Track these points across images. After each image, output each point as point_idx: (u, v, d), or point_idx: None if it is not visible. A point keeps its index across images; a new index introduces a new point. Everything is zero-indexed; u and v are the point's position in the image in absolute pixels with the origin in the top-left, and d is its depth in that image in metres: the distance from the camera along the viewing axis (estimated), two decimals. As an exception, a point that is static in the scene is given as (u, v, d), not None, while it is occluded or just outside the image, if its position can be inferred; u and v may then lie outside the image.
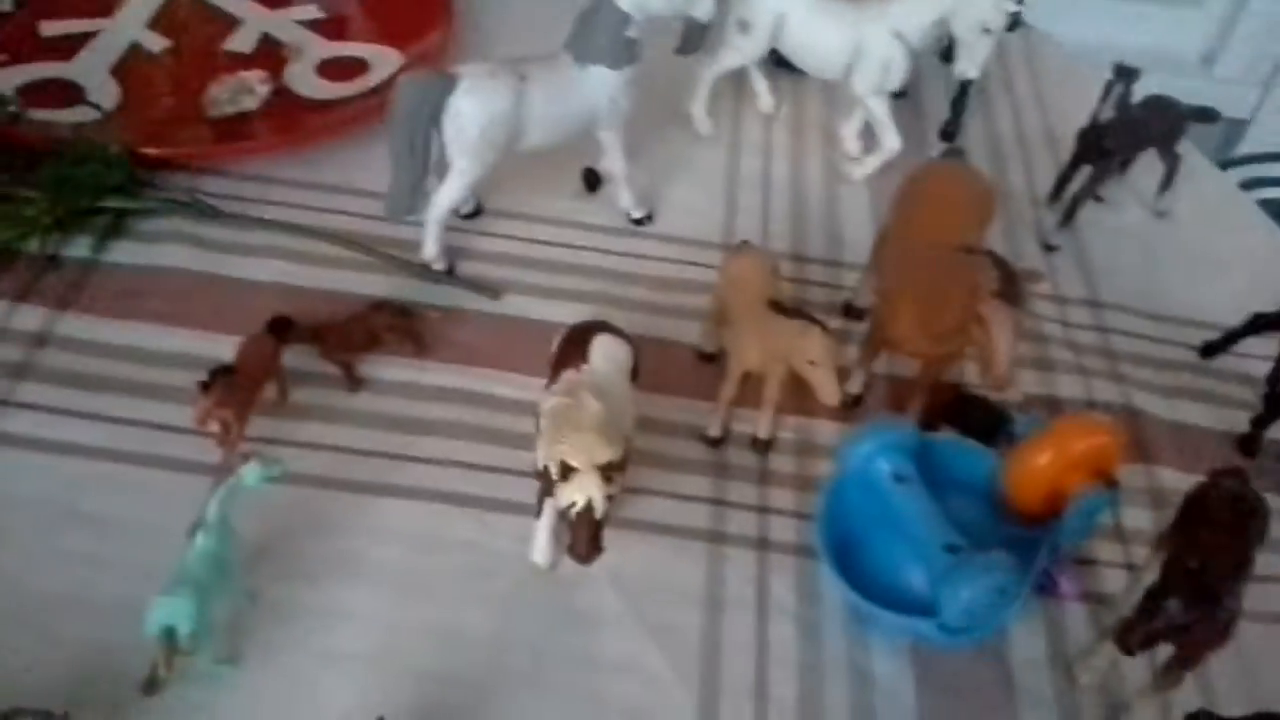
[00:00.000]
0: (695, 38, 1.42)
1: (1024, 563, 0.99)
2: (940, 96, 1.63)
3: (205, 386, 0.99)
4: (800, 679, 0.98)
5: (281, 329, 1.09)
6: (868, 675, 0.99)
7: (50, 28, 1.49)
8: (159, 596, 0.84)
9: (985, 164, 1.53)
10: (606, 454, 0.90)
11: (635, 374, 1.03)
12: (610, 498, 0.91)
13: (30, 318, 1.16)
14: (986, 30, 1.36)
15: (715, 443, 1.15)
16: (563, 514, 0.92)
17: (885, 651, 1.01)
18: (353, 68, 1.49)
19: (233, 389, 1.01)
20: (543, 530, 1.01)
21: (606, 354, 1.01)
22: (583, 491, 0.89)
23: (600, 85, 1.24)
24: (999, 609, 0.97)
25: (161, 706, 0.87)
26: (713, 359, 1.21)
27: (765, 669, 0.99)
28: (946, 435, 1.12)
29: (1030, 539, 1.03)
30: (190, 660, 0.87)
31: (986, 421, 1.15)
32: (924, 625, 0.97)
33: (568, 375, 0.99)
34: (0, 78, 1.38)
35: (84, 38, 1.48)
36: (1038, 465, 1.03)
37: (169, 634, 0.84)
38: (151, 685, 0.84)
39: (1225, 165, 2.22)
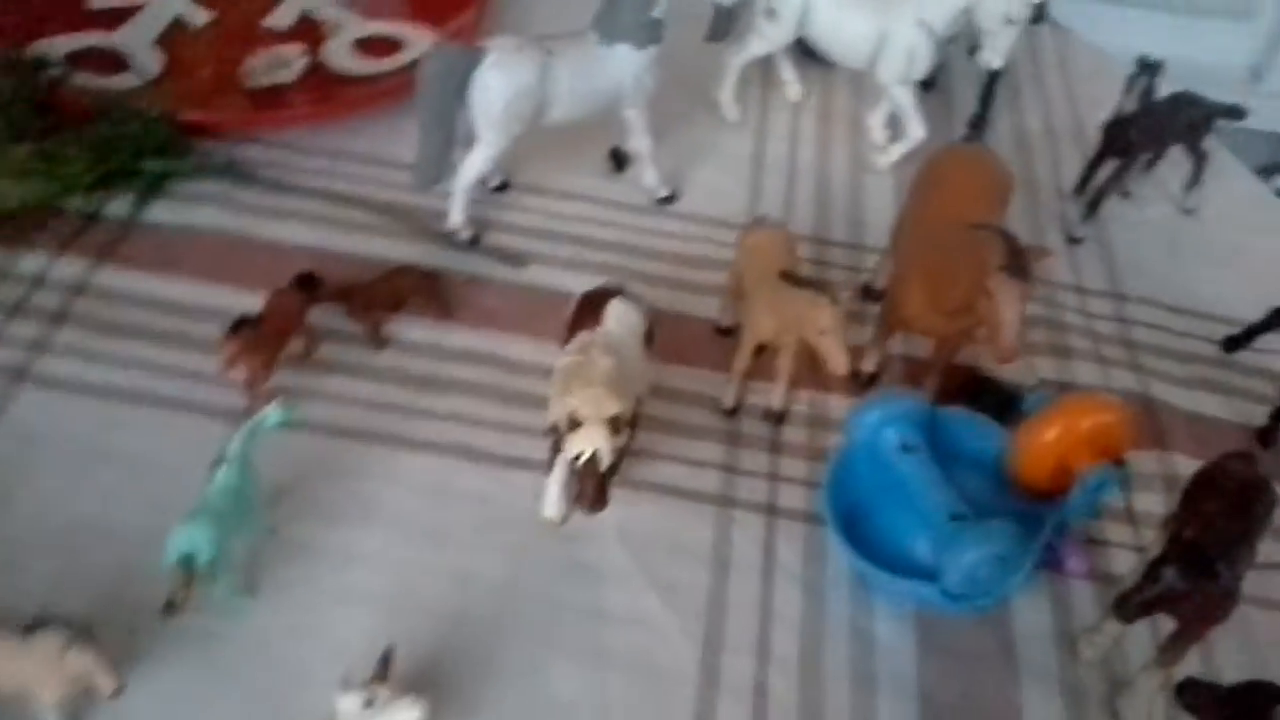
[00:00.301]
0: (723, 24, 1.45)
1: (1030, 536, 1.00)
2: (969, 90, 1.64)
3: (232, 332, 1.03)
4: (802, 639, 1.00)
5: (309, 285, 1.12)
6: (870, 638, 1.01)
7: (99, 0, 1.54)
8: (179, 525, 0.87)
9: (1012, 156, 1.54)
10: (614, 407, 0.92)
11: (650, 339, 1.06)
12: (619, 452, 0.94)
13: (71, 269, 1.21)
14: (1010, 21, 1.37)
15: (729, 412, 1.17)
16: (571, 465, 0.94)
17: (888, 616, 1.02)
18: (388, 46, 1.53)
19: (259, 337, 1.04)
20: (554, 485, 1.03)
21: (619, 317, 1.03)
22: (590, 442, 0.92)
23: (625, 64, 1.27)
24: (1001, 577, 0.98)
25: (178, 631, 0.91)
26: (730, 333, 1.23)
27: (769, 628, 1.00)
28: (958, 410, 1.13)
29: (1038, 514, 1.04)
30: (208, 590, 0.90)
31: (999, 401, 1.17)
32: (926, 590, 0.99)
33: (581, 336, 1.02)
34: (49, 45, 1.43)
35: (130, 10, 1.53)
36: (1045, 440, 1.04)
37: (188, 561, 0.87)
38: (170, 609, 0.87)
39: (1267, 173, 2.20)
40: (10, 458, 1.04)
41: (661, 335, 1.07)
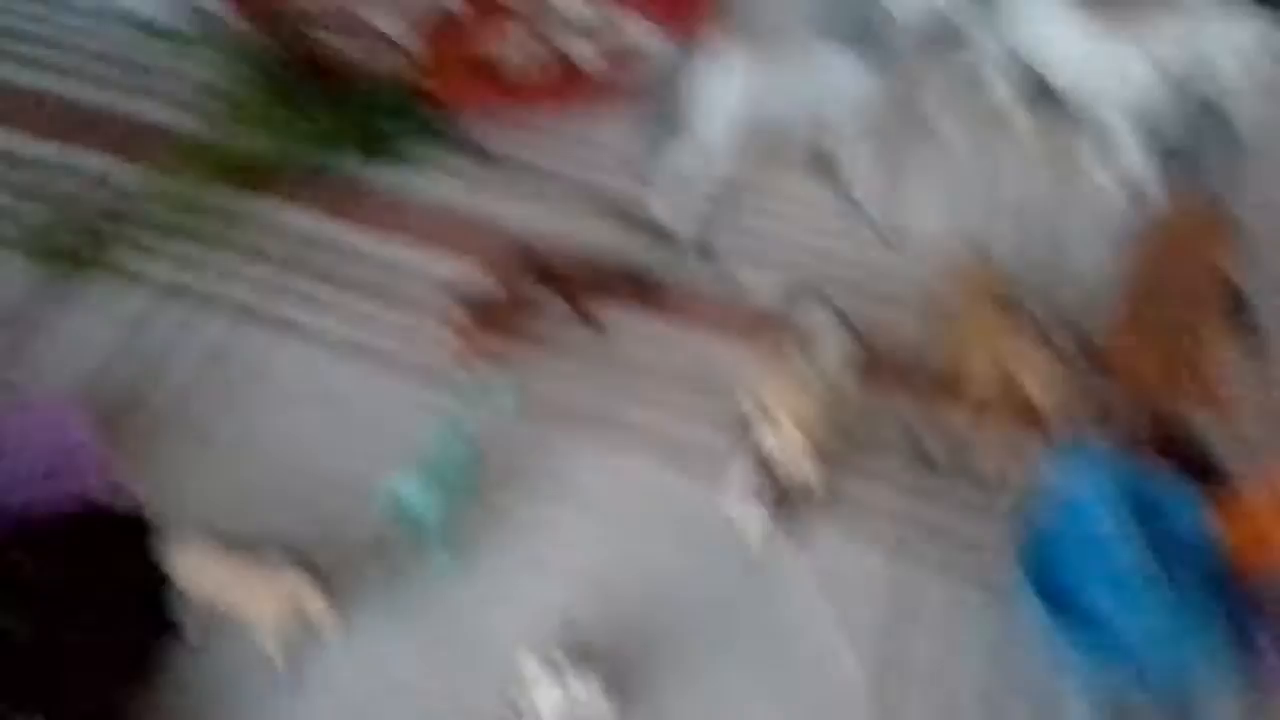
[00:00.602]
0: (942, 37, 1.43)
1: (1222, 611, 0.97)
2: (1213, 155, 1.56)
3: (466, 307, 1.10)
4: (979, 686, 0.99)
5: (533, 264, 1.17)
6: (1054, 700, 0.98)
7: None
8: (401, 478, 0.93)
9: (1247, 219, 1.46)
10: (807, 407, 0.95)
11: (857, 360, 1.06)
12: (809, 467, 0.95)
13: (303, 219, 1.29)
14: (1248, 76, 1.32)
15: (934, 464, 1.13)
16: (760, 465, 0.96)
17: (1073, 680, 0.99)
18: (622, 43, 1.55)
19: (488, 313, 1.11)
20: (739, 483, 1.03)
21: (822, 326, 1.07)
22: (780, 440, 0.95)
23: (848, 75, 1.27)
24: (1187, 646, 0.96)
25: (384, 576, 0.97)
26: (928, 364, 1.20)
27: (945, 670, 0.99)
28: (1160, 469, 1.08)
29: (1238, 594, 0.99)
30: (417, 543, 0.96)
31: (1199, 461, 1.11)
32: (1116, 661, 0.96)
33: (780, 339, 1.05)
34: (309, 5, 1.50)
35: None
36: (1253, 511, 0.99)
37: (404, 513, 0.93)
38: (380, 561, 0.93)
39: None
40: (236, 389, 1.12)
41: (864, 353, 1.09)
